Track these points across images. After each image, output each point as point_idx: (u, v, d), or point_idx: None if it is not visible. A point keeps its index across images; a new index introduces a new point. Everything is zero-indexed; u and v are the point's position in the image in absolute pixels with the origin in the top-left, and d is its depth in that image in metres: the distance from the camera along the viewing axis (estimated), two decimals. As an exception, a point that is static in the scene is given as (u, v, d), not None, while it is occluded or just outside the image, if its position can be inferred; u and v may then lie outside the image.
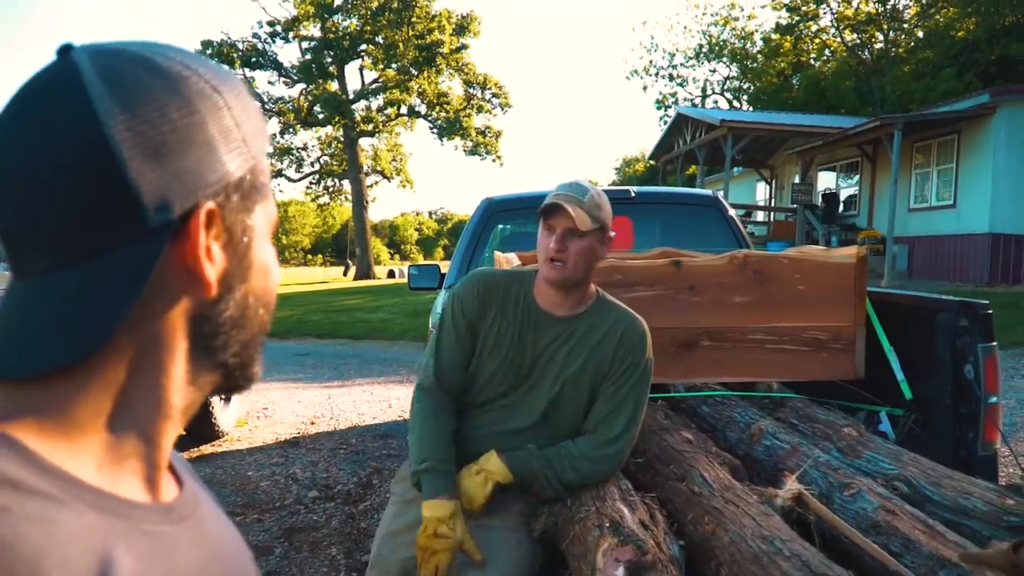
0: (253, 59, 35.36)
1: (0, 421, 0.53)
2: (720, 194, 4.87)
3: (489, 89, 36.41)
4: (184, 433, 5.13)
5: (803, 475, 2.03)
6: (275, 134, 38.36)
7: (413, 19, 33.62)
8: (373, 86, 36.44)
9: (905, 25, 29.63)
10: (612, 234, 2.08)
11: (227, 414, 6.24)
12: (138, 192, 0.53)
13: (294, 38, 35.28)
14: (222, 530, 0.68)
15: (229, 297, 0.62)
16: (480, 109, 36.66)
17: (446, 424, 2.04)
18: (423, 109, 37.05)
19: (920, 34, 28.99)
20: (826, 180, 21.37)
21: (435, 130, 37.02)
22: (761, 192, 25.62)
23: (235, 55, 34.73)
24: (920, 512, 1.75)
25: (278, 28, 35.03)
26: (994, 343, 2.56)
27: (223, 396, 0.75)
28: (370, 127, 36.03)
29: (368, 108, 36.50)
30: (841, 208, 19.90)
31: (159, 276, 0.56)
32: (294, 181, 40.50)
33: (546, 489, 2.01)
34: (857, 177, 19.62)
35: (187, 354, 0.60)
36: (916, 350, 2.80)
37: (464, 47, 35.58)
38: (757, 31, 37.18)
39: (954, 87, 22.89)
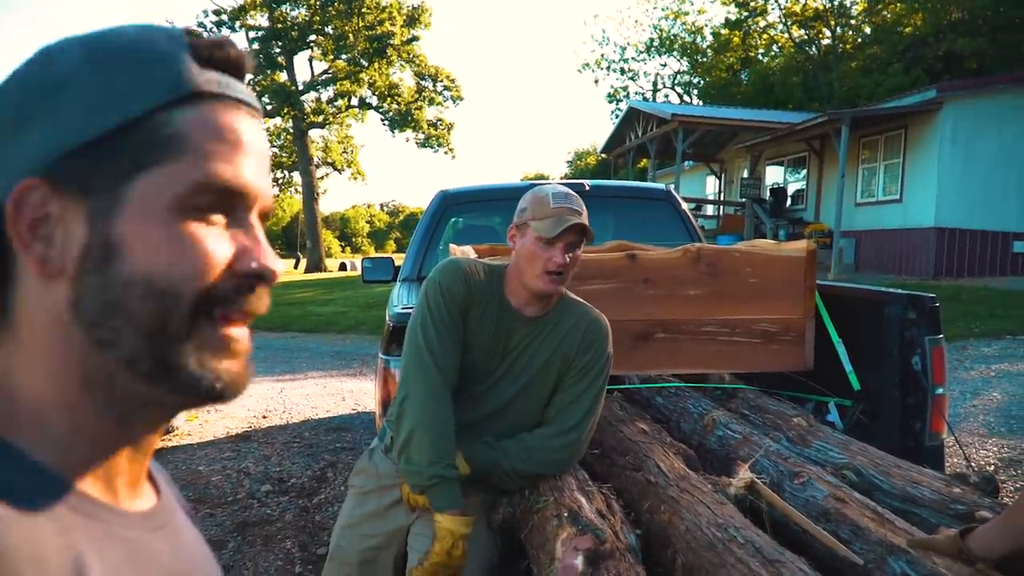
0: (199, 48, 34.58)
1: None
2: (672, 188, 4.93)
3: (440, 81, 36.23)
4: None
5: (755, 464, 2.08)
6: (223, 125, 37.61)
7: (363, 9, 33.25)
8: (323, 77, 35.96)
9: (852, 21, 30.23)
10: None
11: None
12: None
13: (241, 27, 34.61)
14: (194, 542, 0.68)
15: (87, 281, 0.54)
16: (432, 101, 36.46)
17: (452, 426, 1.94)
18: (374, 101, 36.69)
19: (867, 30, 29.59)
20: (774, 174, 21.74)
21: (386, 122, 36.70)
22: (711, 186, 25.97)
23: (180, 43, 33.92)
24: (869, 500, 1.80)
25: (224, 17, 34.33)
26: (941, 335, 2.65)
27: (188, 406, 0.63)
28: (320, 119, 35.58)
29: (318, 99, 36.02)
30: (789, 202, 20.28)
31: (22, 264, 0.55)
32: (243, 172, 39.78)
33: (504, 480, 2.01)
34: (805, 172, 20.00)
35: (84, 347, 0.55)
36: (864, 342, 2.88)
37: (415, 39, 35.32)
38: (707, 26, 37.74)
39: (901, 82, 23.38)
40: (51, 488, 0.52)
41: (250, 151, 0.59)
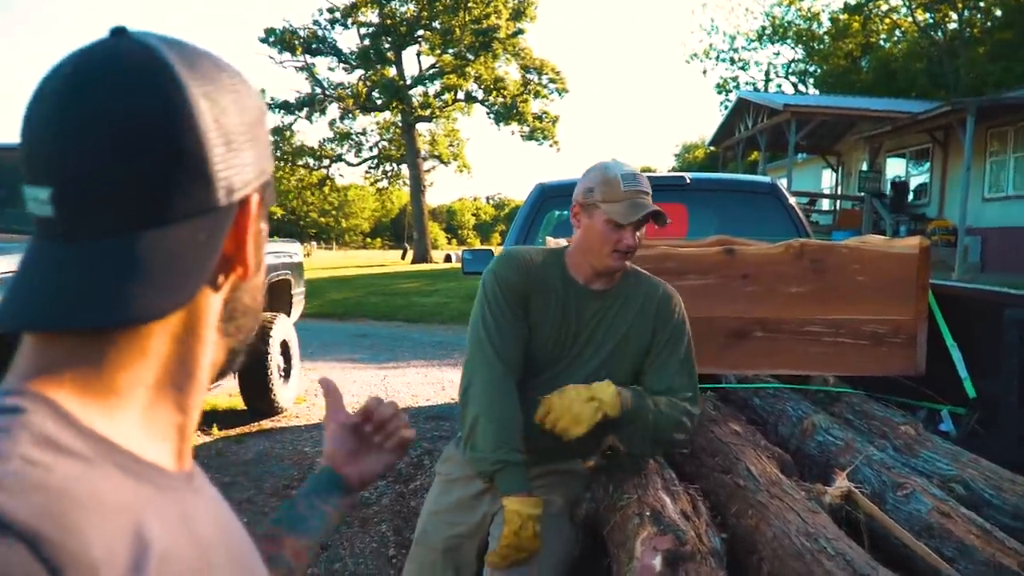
0: (314, 45, 35.79)
1: (40, 381, 0.55)
2: (781, 181, 4.74)
3: (546, 74, 36.22)
4: (246, 408, 5.20)
5: (855, 473, 1.97)
6: (335, 119, 38.86)
7: (470, 4, 33.60)
8: (430, 71, 36.56)
9: (981, 4, 28.42)
10: None
11: (286, 391, 6.37)
12: (215, 174, 0.58)
13: (353, 24, 35.58)
14: (225, 507, 0.71)
15: (248, 285, 0.67)
16: (537, 94, 36.52)
17: (519, 411, 1.96)
18: (480, 94, 37.07)
19: (998, 13, 27.76)
20: (895, 167, 20.72)
21: (492, 115, 37.00)
22: (827, 179, 25.02)
23: (296, 42, 35.22)
24: (977, 516, 1.68)
25: (337, 15, 35.36)
26: (1066, 341, 2.45)
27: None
28: (427, 112, 36.20)
29: (425, 93, 36.67)
30: (911, 197, 19.30)
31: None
32: (353, 166, 40.99)
33: (633, 438, 1.97)
34: (928, 164, 18.99)
35: (216, 334, 0.65)
36: (981, 346, 2.70)
37: (520, 32, 35.43)
38: (824, 11, 36.26)
39: (1033, 70, 21.92)
40: (107, 451, 0.54)
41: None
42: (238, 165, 0.61)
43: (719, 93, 39.60)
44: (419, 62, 37.49)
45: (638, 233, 2.00)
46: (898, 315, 2.80)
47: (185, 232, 0.57)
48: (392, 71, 36.08)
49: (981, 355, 2.69)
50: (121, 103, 0.55)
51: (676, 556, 1.48)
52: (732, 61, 39.46)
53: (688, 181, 4.26)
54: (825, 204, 22.42)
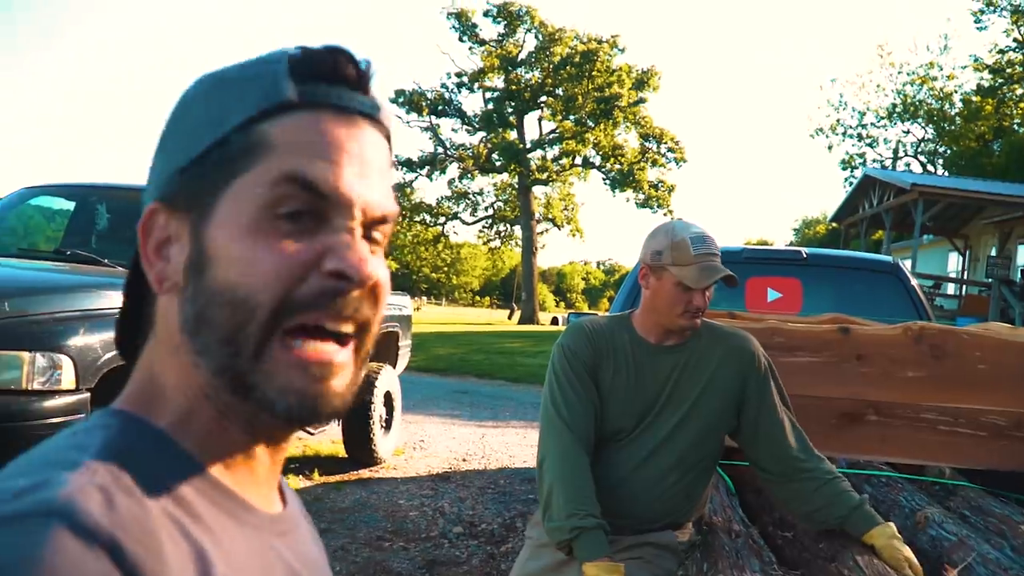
0: (439, 107, 37.24)
1: (134, 402, 0.60)
2: (905, 263, 4.59)
3: (665, 143, 36.37)
4: (346, 457, 5.31)
5: (968, 571, 1.86)
6: (454, 179, 40.01)
7: (593, 72, 34.24)
8: (550, 136, 37.31)
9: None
10: None
11: (386, 442, 6.49)
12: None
13: (478, 88, 36.84)
14: (315, 555, 0.70)
15: (187, 293, 0.57)
16: (654, 163, 36.65)
17: (591, 479, 1.98)
18: (597, 160, 37.50)
19: None
20: (1027, 255, 19.65)
21: (608, 181, 37.33)
22: (953, 263, 23.89)
23: (424, 103, 36.68)
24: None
25: (464, 79, 36.69)
26: None
27: (298, 427, 0.63)
28: (544, 176, 36.81)
29: (543, 157, 37.36)
30: (1043, 285, 18.20)
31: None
32: (468, 224, 42.00)
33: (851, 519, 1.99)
34: (1063, 253, 17.92)
35: (194, 357, 0.57)
36: None
37: (642, 100, 35.82)
38: (956, 92, 34.97)
39: None
40: (193, 476, 0.56)
41: (351, 156, 0.57)
42: (147, 187, 0.63)
43: (844, 169, 38.63)
44: (540, 127, 38.39)
45: (708, 293, 2.02)
46: (1021, 407, 2.65)
47: None
48: (513, 134, 37.02)
49: None
50: None
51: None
52: (860, 137, 38.52)
53: (805, 256, 4.18)
54: (950, 288, 21.37)
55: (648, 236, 2.12)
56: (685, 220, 2.11)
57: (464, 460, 6.87)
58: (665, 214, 36.59)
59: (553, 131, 37.32)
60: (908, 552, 1.86)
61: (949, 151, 34.69)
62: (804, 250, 4.30)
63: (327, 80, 0.58)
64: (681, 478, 2.09)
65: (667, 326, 2.07)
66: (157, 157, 0.62)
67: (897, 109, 36.93)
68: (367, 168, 0.58)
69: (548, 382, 2.12)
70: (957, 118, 34.09)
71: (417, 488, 5.76)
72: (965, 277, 21.58)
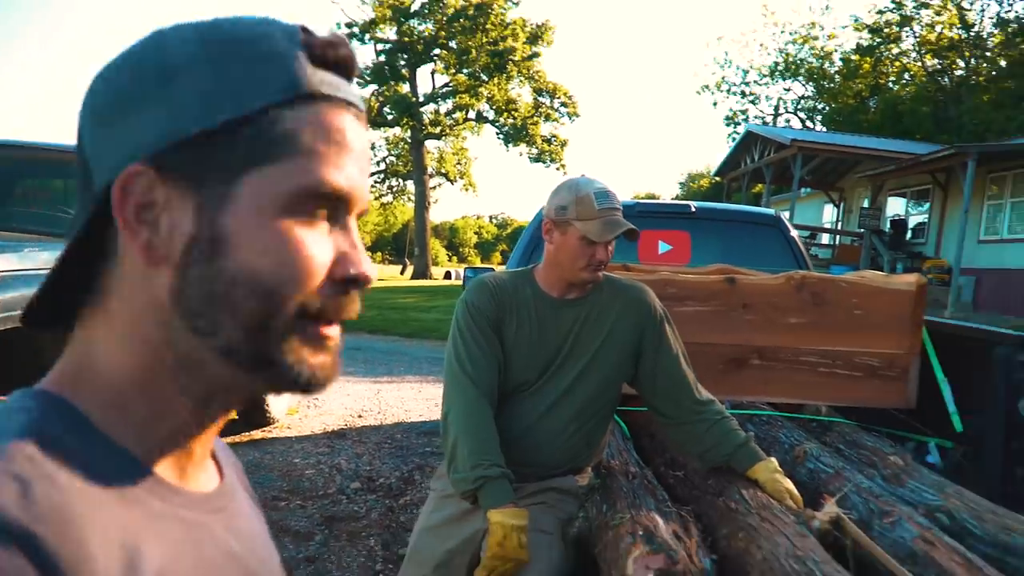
0: (328, 58, 36.01)
1: (58, 382, 0.56)
2: (784, 214, 4.80)
3: (558, 98, 36.47)
4: (236, 418, 5.16)
5: (843, 499, 2.00)
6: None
7: (487, 26, 33.89)
8: (443, 90, 36.80)
9: (988, 53, 28.69)
10: None
11: (279, 402, 6.37)
12: (88, 158, 0.57)
13: (370, 40, 35.86)
14: (255, 527, 0.69)
15: (192, 272, 0.55)
16: (548, 117, 36.73)
17: (495, 430, 2.02)
18: (491, 115, 37.28)
19: (1003, 63, 28.02)
20: (895, 206, 20.85)
21: (501, 136, 37.20)
22: (828, 214, 25.13)
23: (311, 54, 35.40)
24: (960, 545, 1.71)
25: (355, 30, 35.64)
26: (1053, 379, 2.49)
27: (276, 393, 0.64)
28: (437, 130, 36.39)
29: (436, 111, 36.87)
30: (909, 235, 19.40)
31: (122, 249, 0.57)
32: (360, 179, 41.10)
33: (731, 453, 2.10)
34: (927, 205, 19.11)
35: (180, 333, 0.56)
36: (970, 382, 2.74)
37: (536, 55, 35.71)
38: (836, 51, 36.42)
39: (1035, 119, 22.08)
40: (118, 463, 0.53)
41: (355, 153, 0.59)
42: (112, 140, 0.56)
43: (728, 125, 39.80)
44: (433, 80, 37.77)
45: (609, 247, 2.07)
46: (892, 349, 2.84)
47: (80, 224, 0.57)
48: (405, 88, 36.32)
49: (970, 391, 2.73)
50: None
51: (668, 575, 1.51)
52: (743, 94, 39.70)
53: (693, 210, 4.31)
54: (825, 239, 22.50)
55: (552, 192, 2.14)
56: (588, 176, 2.13)
57: (360, 416, 6.84)
58: (558, 168, 36.91)
59: (446, 85, 36.80)
60: (789, 484, 1.98)
61: (828, 108, 36.20)
62: (693, 204, 4.43)
63: (335, 70, 0.59)
64: (581, 427, 2.15)
65: (570, 280, 2.11)
66: (132, 105, 0.55)
67: (779, 67, 38.20)
68: (364, 162, 0.61)
69: (452, 337, 2.13)
70: (836, 76, 35.56)
71: (313, 446, 5.71)
72: (839, 228, 22.74)
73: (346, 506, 4.46)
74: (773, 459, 2.07)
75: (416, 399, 7.75)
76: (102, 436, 0.54)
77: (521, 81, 36.39)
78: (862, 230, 18.86)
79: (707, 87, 40.12)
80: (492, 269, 4.90)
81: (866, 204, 19.95)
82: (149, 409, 0.56)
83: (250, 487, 0.76)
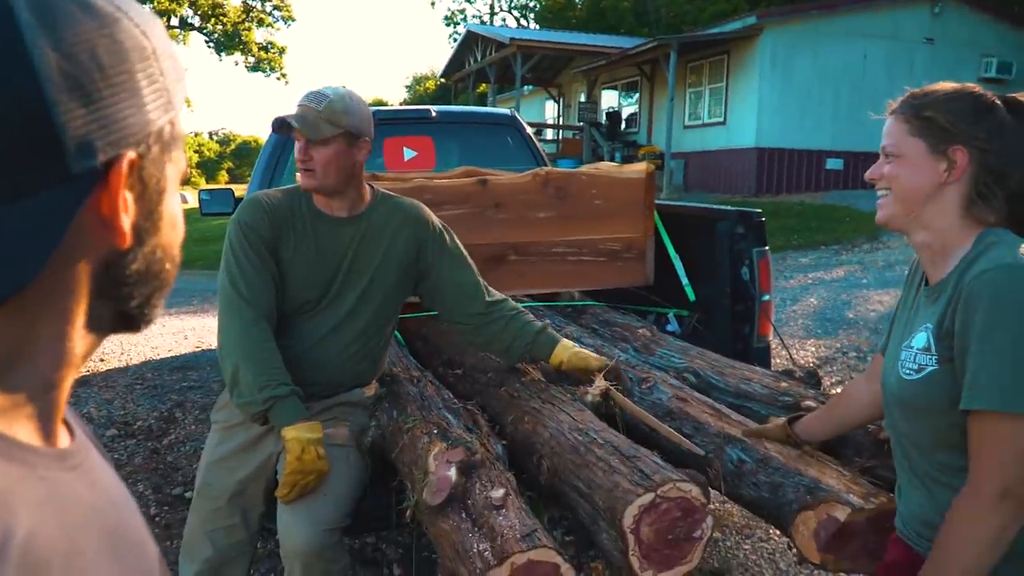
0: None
1: None
2: (516, 112, 5.00)
3: (270, 1, 34.34)
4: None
5: (606, 373, 2.23)
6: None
7: (180, -81, 30.81)
8: (137, -6, 33.20)
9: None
10: (367, 138, 2.09)
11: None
12: (63, 135, 0.51)
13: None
14: (111, 480, 0.67)
15: (139, 250, 0.60)
16: (261, 22, 34.54)
17: (276, 350, 2.00)
18: (196, 21, 34.35)
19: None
20: (609, 99, 22.24)
21: (211, 44, 34.52)
22: (550, 110, 26.28)
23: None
24: (707, 398, 1.99)
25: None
26: (767, 247, 2.89)
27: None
28: (136, 40, 32.96)
29: (132, 19, 33.30)
30: (623, 126, 20.87)
31: (75, 223, 0.54)
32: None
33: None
34: (637, 96, 20.58)
35: (90, 304, 0.59)
36: (699, 256, 3.10)
37: (240, -47, 33.17)
38: (542, -53, 37.37)
39: (723, 9, 24.28)
40: None
41: None
42: (100, 120, 0.54)
43: (447, 25, 39.89)
44: (122, -16, 33.86)
45: (314, 151, 2.00)
46: (629, 233, 3.13)
47: (26, 208, 0.51)
48: (89, -7, 32.31)
49: (699, 264, 3.09)
50: None
51: (469, 465, 1.62)
52: (458, -8, 39.74)
53: (434, 115, 4.36)
54: (549, 134, 23.61)
55: None
56: (341, 88, 2.08)
57: (102, 360, 6.33)
58: (279, 78, 35.10)
59: (139, -12, 33.24)
60: (590, 353, 2.15)
61: (539, 6, 37.31)
62: (433, 108, 4.47)
63: None
64: (365, 345, 2.17)
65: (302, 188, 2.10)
66: (117, 91, 0.55)
67: (491, -37, 38.56)
68: None
69: (225, 259, 2.04)
70: (543, -28, 36.57)
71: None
72: (561, 123, 23.93)
73: (104, 457, 4.19)
74: (567, 340, 2.22)
75: (161, 334, 7.29)
76: None
77: (226, -17, 33.77)
78: (581, 124, 20.00)
79: (423, -15, 39.66)
80: (230, 190, 4.67)
81: (583, 99, 21.09)
82: (3, 380, 0.54)
83: (98, 441, 0.73)
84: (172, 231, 0.64)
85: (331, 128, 1.98)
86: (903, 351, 1.31)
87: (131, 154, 0.56)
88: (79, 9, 0.53)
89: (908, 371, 1.28)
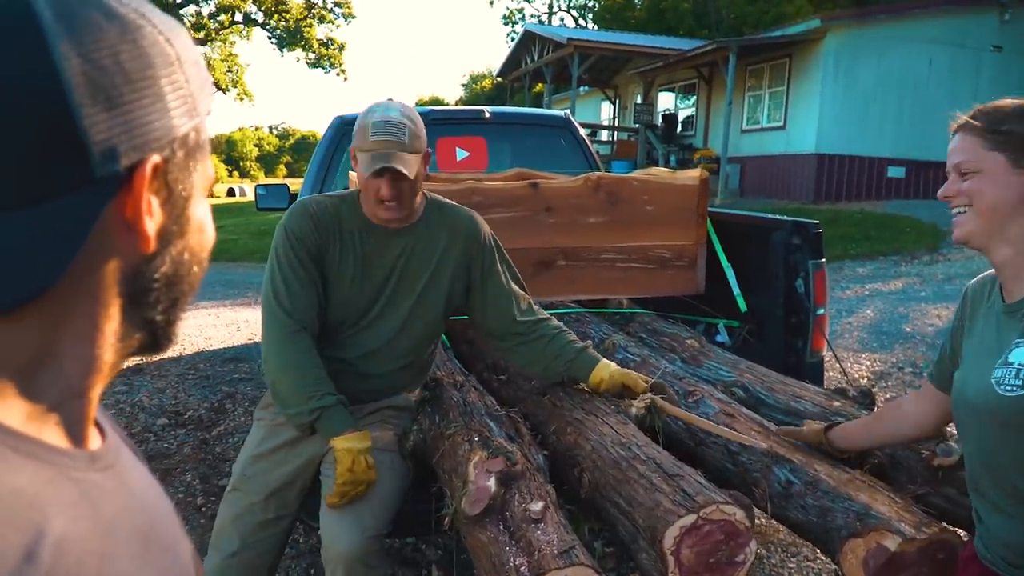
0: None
1: None
2: (569, 114, 4.96)
3: (331, -2, 34.76)
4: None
5: (663, 381, 2.19)
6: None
7: (246, -82, 31.39)
8: (204, -11, 33.94)
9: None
10: (430, 150, 2.06)
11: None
12: (87, 139, 0.51)
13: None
14: (144, 480, 0.67)
15: (165, 254, 0.60)
16: (322, 19, 34.96)
17: (318, 360, 1.98)
18: (260, 17, 34.93)
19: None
20: (666, 101, 22.04)
21: (274, 40, 35.09)
22: (606, 112, 26.14)
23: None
24: (756, 414, 1.94)
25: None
26: (823, 259, 2.81)
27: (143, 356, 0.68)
28: (202, 35, 33.65)
29: (198, 13, 34.00)
30: (679, 128, 20.66)
31: (98, 228, 0.54)
32: (118, 92, 37.53)
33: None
34: (694, 98, 20.36)
35: (117, 310, 0.59)
36: (752, 266, 3.03)
37: (303, -49, 33.65)
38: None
39: (785, 12, 23.89)
40: (5, 433, 0.51)
41: None
42: (124, 125, 0.54)
43: (506, 24, 39.99)
44: (189, -21, 34.67)
45: (402, 184, 1.94)
46: (681, 240, 3.08)
47: (49, 211, 0.51)
48: (158, -12, 33.13)
49: (751, 273, 3.03)
50: None
51: (508, 476, 1.60)
52: (517, -8, 39.78)
53: (488, 116, 4.35)
54: (604, 135, 23.49)
55: None
56: (392, 101, 2.01)
57: (156, 350, 6.48)
58: (338, 74, 35.52)
59: (206, -16, 33.97)
60: (632, 373, 2.09)
61: (597, 6, 37.14)
62: (487, 109, 4.46)
63: None
64: (416, 359, 2.16)
65: (371, 214, 2.04)
66: (141, 97, 0.55)
67: (550, -36, 38.50)
68: None
69: (270, 267, 2.03)
70: (602, -28, 36.38)
71: (108, 385, 5.32)
72: (616, 124, 23.78)
73: (155, 444, 4.27)
74: (607, 360, 2.15)
75: (215, 325, 7.43)
76: None
77: (289, -20, 34.27)
78: (637, 125, 19.85)
79: (483, -15, 39.78)
80: (286, 185, 4.73)
81: (639, 100, 20.93)
82: (32, 386, 0.54)
83: (130, 440, 0.73)
84: (200, 235, 0.64)
85: (417, 159, 1.95)
86: (999, 368, 1.26)
87: (155, 158, 0.56)
88: (103, 16, 0.54)
89: (1010, 387, 1.23)
